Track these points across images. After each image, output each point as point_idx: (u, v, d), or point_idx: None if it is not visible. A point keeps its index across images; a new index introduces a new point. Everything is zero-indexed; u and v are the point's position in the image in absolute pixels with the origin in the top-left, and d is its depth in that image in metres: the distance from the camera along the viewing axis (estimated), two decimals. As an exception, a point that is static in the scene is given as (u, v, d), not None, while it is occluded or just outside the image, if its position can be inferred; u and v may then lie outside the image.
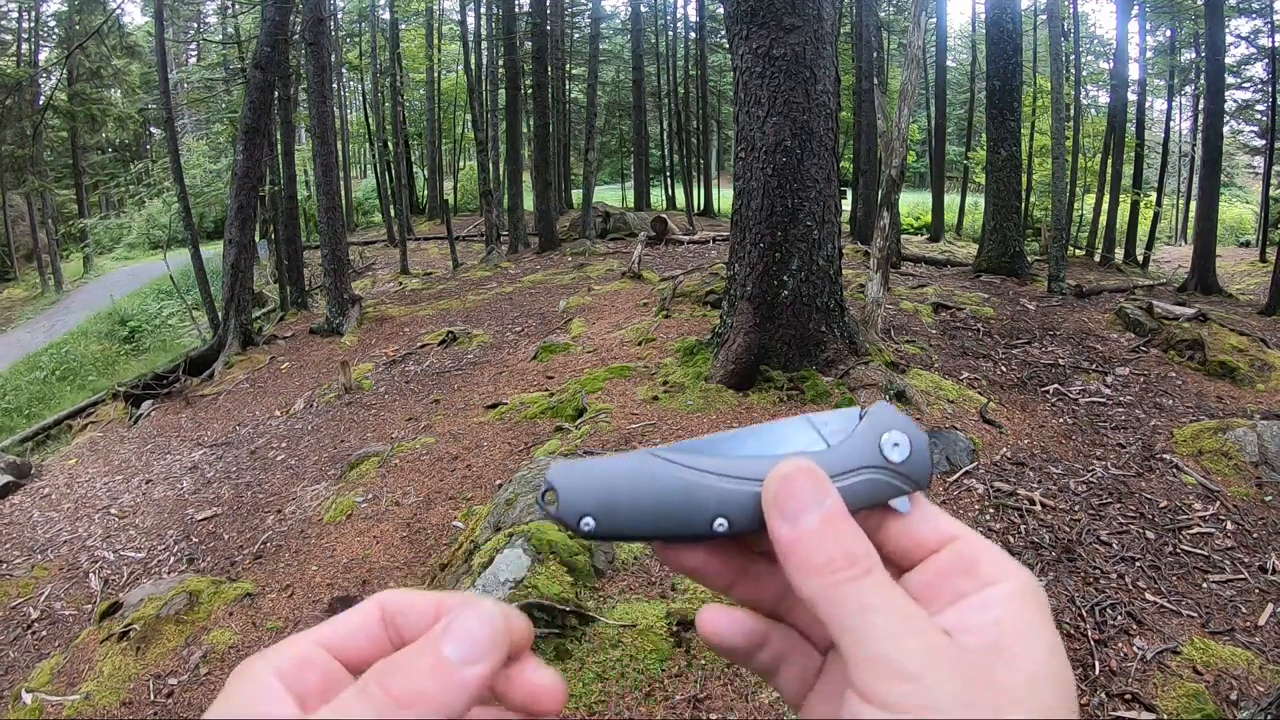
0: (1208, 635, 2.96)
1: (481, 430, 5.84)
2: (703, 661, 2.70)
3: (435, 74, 28.85)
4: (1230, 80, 19.94)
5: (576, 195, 24.85)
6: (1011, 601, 0.32)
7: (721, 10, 11.07)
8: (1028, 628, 0.31)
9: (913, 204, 27.99)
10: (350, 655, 0.33)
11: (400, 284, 15.37)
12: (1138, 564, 3.44)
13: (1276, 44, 18.98)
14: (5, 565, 5.27)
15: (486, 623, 0.32)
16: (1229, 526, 3.73)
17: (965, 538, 0.35)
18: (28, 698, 3.55)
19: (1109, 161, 17.31)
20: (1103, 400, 5.64)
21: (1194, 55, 21.96)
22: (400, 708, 0.29)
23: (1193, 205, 18.67)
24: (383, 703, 0.29)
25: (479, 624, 0.32)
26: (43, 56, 25.13)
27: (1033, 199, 19.81)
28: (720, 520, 0.35)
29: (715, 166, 32.01)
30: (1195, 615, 3.10)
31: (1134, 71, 19.20)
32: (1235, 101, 22.60)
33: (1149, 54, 23.01)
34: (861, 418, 0.37)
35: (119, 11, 25.12)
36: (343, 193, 19.57)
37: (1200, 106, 18.91)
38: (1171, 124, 25.55)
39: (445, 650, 0.31)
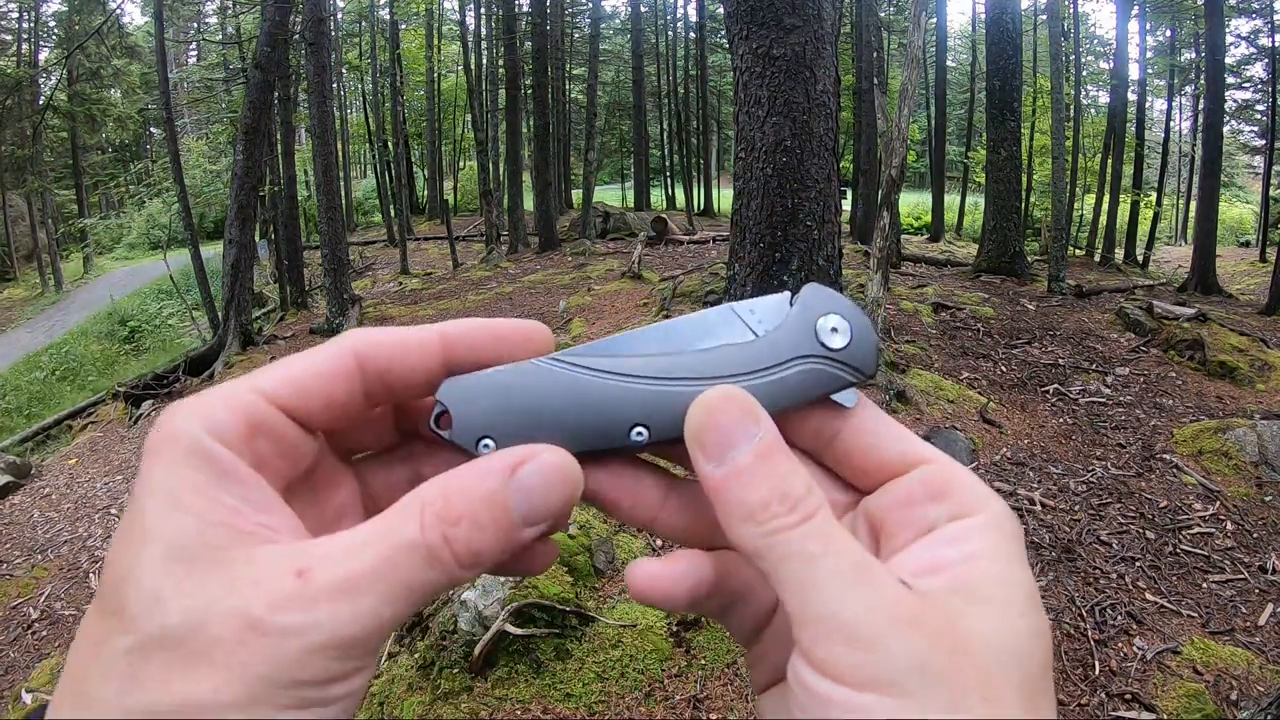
0: (1208, 635, 2.96)
1: (481, 430, 5.83)
2: (703, 661, 2.70)
3: (435, 74, 28.83)
4: (1230, 80, 19.96)
5: (576, 195, 24.85)
6: (986, 536, 0.28)
7: (721, 10, 11.07)
8: (1005, 570, 0.27)
9: (913, 204, 28.02)
10: (307, 409, 0.28)
11: (400, 284, 15.38)
12: (1138, 564, 3.44)
13: (1276, 44, 19.00)
14: (5, 565, 5.27)
15: (563, 486, 0.28)
16: (1229, 526, 3.74)
17: (937, 462, 0.30)
18: (28, 698, 3.55)
19: (1109, 161, 17.32)
20: (1103, 400, 5.64)
21: (1194, 55, 21.98)
22: (448, 546, 0.26)
23: (1193, 205, 18.66)
24: (436, 543, 0.26)
25: (556, 486, 0.28)
26: (43, 56, 25.18)
27: (1033, 199, 19.82)
28: (639, 429, 0.30)
29: (715, 166, 32.02)
30: (1195, 615, 3.10)
31: (1134, 71, 19.23)
32: (1235, 101, 22.64)
33: (1149, 54, 23.03)
34: (793, 303, 0.32)
35: (119, 11, 25.14)
36: (343, 193, 19.58)
37: (1200, 106, 18.90)
38: (1171, 124, 25.60)
39: (512, 502, 0.27)
